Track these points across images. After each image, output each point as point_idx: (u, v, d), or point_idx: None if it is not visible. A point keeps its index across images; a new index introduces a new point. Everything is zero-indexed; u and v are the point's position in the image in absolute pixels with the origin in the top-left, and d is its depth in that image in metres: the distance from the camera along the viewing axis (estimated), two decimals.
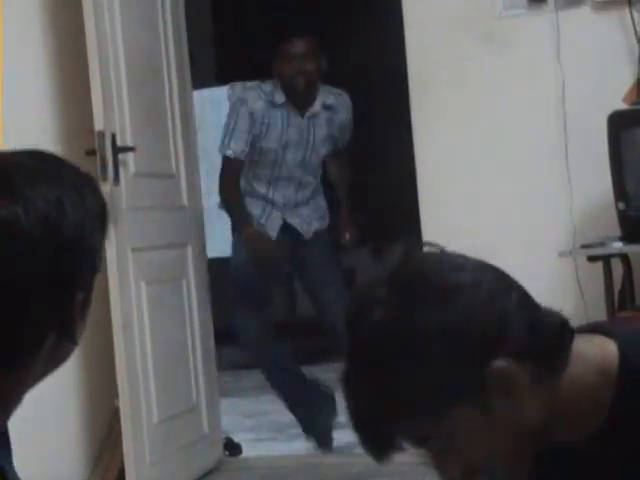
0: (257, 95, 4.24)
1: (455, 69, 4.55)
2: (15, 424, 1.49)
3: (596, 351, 1.53)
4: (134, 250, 4.19)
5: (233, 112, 4.37)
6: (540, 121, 4.38)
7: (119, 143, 4.13)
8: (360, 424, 1.53)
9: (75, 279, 1.41)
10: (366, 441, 1.53)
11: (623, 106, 4.06)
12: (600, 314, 3.82)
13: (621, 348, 1.51)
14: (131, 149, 4.20)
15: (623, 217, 3.87)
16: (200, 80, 5.90)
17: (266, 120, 4.36)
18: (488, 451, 1.54)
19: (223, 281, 4.90)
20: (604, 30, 4.24)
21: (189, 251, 4.70)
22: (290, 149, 4.45)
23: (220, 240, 5.85)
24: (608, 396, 1.50)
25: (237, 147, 4.18)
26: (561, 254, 3.97)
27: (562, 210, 4.29)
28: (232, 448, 4.51)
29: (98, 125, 4.05)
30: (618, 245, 3.87)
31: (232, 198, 4.47)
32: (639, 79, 4.18)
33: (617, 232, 3.90)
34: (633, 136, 3.94)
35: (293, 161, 4.46)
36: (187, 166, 4.73)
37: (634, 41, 4.15)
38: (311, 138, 4.54)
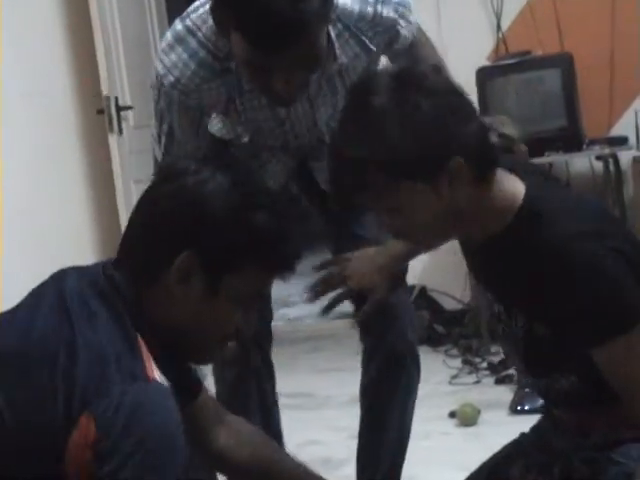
0: None
1: None
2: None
3: (510, 184, 1.65)
4: (136, 182, 4.40)
5: None
6: None
7: (120, 104, 4.45)
8: (342, 170, 1.57)
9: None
10: (341, 185, 1.59)
11: (487, 63, 4.47)
12: None
13: (527, 191, 1.65)
14: (129, 108, 4.51)
15: None
16: None
17: None
18: (421, 222, 1.62)
19: None
20: (473, 8, 4.62)
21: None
22: None
23: None
24: (509, 217, 1.64)
25: None
26: None
27: None
28: None
29: (104, 90, 4.39)
30: None
31: None
32: (497, 44, 4.58)
33: None
34: (494, 85, 4.30)
35: None
36: None
37: (494, 16, 4.58)
38: None
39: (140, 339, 1.42)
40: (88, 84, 4.59)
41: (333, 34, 1.95)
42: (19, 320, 1.47)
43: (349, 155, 1.55)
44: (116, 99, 4.43)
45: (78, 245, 4.56)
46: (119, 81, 4.48)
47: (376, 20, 1.95)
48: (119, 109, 4.45)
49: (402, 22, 1.98)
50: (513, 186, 1.65)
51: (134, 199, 4.40)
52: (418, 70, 1.60)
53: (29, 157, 4.34)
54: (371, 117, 1.52)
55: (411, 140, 1.51)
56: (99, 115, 4.49)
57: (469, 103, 1.60)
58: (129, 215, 4.20)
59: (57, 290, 1.49)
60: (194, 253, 1.44)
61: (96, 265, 1.54)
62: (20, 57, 4.27)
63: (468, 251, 1.81)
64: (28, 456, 1.36)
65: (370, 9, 1.95)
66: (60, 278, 1.54)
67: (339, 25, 1.95)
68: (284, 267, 1.54)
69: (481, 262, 1.76)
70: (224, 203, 1.46)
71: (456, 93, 1.59)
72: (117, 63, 4.47)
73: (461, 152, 1.53)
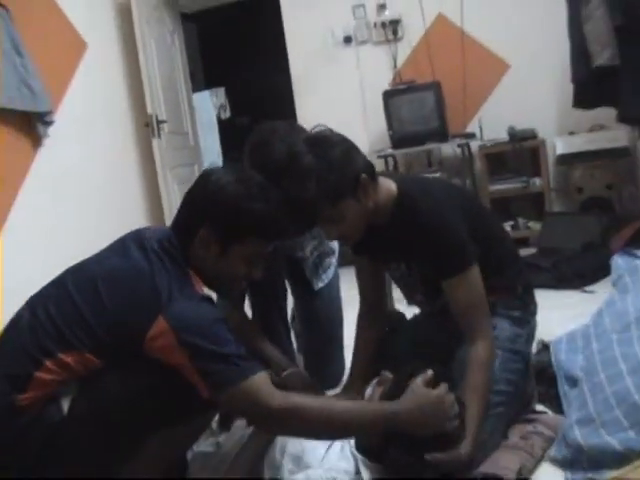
0: None
1: (314, 78, 5.51)
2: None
3: (385, 184, 1.88)
4: (171, 168, 5.30)
5: None
6: (352, 97, 5.50)
7: (159, 118, 5.24)
8: (295, 208, 1.71)
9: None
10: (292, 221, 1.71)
11: (389, 88, 5.16)
12: None
13: (397, 183, 1.88)
14: (165, 121, 5.32)
15: (392, 138, 5.04)
16: (195, 88, 6.49)
17: None
18: (355, 224, 1.82)
19: None
20: (378, 54, 5.40)
21: (195, 167, 5.80)
22: None
23: (209, 162, 6.41)
24: (391, 206, 1.86)
25: None
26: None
27: (363, 138, 5.19)
28: None
29: (149, 110, 5.19)
30: (390, 151, 5.05)
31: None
32: (395, 76, 5.35)
33: (389, 145, 5.07)
34: (394, 102, 5.03)
35: None
36: (192, 128, 5.89)
37: (392, 59, 5.37)
38: None
39: (190, 271, 1.64)
40: (139, 106, 5.34)
41: None
42: (117, 253, 1.70)
43: (305, 200, 1.75)
44: (156, 116, 5.22)
45: (134, 210, 5.35)
46: (158, 104, 5.29)
47: None
48: (158, 122, 5.22)
49: None
50: (387, 183, 1.91)
51: (169, 180, 5.53)
52: (321, 134, 1.87)
53: (104, 155, 5.13)
54: (305, 172, 1.76)
55: (335, 175, 1.75)
56: (146, 127, 5.28)
57: (353, 142, 1.86)
58: (166, 189, 5.15)
59: (139, 238, 1.72)
60: (211, 227, 1.64)
61: (161, 229, 1.76)
62: (95, 91, 5.09)
63: (364, 245, 1.95)
64: (118, 333, 1.56)
65: None
66: (142, 232, 1.77)
67: None
68: (276, 239, 1.71)
69: (383, 241, 1.92)
70: (231, 194, 1.62)
71: (347, 139, 1.86)
72: (156, 92, 5.27)
73: (363, 170, 1.83)
